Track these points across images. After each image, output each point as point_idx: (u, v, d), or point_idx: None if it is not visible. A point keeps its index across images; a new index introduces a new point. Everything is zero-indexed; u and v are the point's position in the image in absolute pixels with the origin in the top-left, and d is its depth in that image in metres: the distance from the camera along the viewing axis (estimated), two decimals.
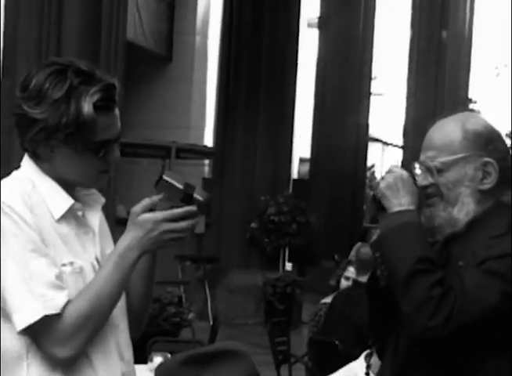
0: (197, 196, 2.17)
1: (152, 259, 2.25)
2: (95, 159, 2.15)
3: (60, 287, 2.04)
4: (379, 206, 2.34)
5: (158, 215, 2.12)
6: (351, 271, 6.56)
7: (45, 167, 2.16)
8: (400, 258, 2.21)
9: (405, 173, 2.34)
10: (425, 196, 2.35)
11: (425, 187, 2.35)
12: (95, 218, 2.24)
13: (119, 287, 2.11)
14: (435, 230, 2.35)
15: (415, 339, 2.27)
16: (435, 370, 2.28)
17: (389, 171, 2.36)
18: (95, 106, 2.09)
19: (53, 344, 2.03)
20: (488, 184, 2.33)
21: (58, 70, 2.11)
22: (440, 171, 2.34)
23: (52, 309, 2.01)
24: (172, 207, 2.13)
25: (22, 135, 2.14)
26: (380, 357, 2.59)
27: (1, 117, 7.50)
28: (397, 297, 2.21)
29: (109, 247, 2.25)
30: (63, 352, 2.04)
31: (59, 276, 2.05)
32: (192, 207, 2.15)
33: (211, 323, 11.43)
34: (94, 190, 2.29)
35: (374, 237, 2.36)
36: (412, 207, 2.29)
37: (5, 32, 8.21)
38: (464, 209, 2.32)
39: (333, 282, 7.08)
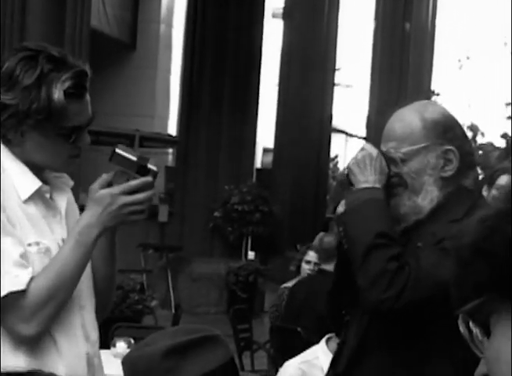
0: (151, 166, 2.20)
1: (112, 239, 2.26)
2: (66, 144, 2.16)
3: (24, 265, 2.06)
4: (349, 182, 2.40)
5: (115, 189, 2.14)
6: (311, 255, 6.63)
7: (16, 151, 2.17)
8: (360, 233, 2.29)
9: (375, 152, 2.39)
10: (389, 185, 2.40)
11: (389, 177, 2.41)
12: (63, 201, 2.26)
13: (81, 264, 2.13)
14: (401, 218, 2.40)
15: (373, 317, 2.34)
16: (391, 345, 2.34)
17: (361, 149, 2.42)
18: (66, 93, 2.11)
19: (18, 321, 2.05)
20: (450, 171, 2.39)
21: (29, 55, 2.12)
22: (403, 161, 2.39)
23: (17, 286, 2.03)
24: (128, 180, 2.16)
25: None
26: (337, 335, 2.64)
27: None
28: (354, 270, 2.28)
29: None
30: (27, 329, 2.06)
31: (23, 255, 2.07)
32: (148, 178, 2.18)
33: (173, 311, 11.47)
34: (64, 174, 2.31)
35: (340, 210, 2.41)
36: (377, 186, 2.35)
37: None
38: (428, 197, 2.38)
39: (293, 268, 7.13)
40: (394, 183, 2.41)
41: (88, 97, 2.19)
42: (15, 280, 2.03)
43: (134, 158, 2.18)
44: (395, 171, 2.40)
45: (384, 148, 2.43)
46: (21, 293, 2.04)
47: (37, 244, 2.13)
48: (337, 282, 2.58)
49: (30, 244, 2.11)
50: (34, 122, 2.10)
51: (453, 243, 2.17)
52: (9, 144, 2.17)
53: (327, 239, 6.12)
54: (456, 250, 1.02)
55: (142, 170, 2.18)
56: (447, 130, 2.40)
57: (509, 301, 0.95)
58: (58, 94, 2.10)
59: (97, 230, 2.14)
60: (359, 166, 2.38)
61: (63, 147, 2.17)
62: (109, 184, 2.17)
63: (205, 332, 2.11)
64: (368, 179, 2.36)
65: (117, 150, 2.19)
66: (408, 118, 2.42)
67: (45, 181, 2.23)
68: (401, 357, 2.33)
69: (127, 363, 2.12)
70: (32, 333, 2.07)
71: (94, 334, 2.25)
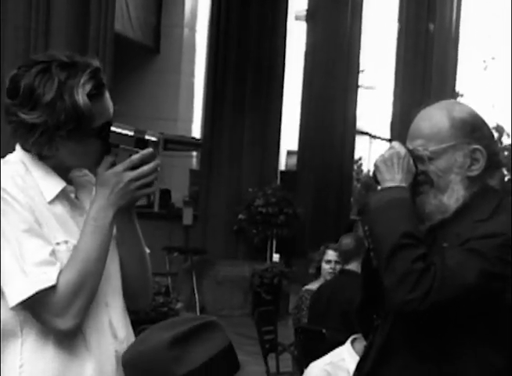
0: (150, 137, 2.20)
1: (131, 223, 2.26)
2: (97, 143, 2.18)
3: (52, 263, 2.07)
4: (375, 180, 2.39)
5: (118, 167, 2.15)
6: (330, 254, 6.64)
7: (49, 161, 2.18)
8: (386, 232, 2.27)
9: (403, 150, 2.38)
10: (415, 184, 2.39)
11: (415, 175, 2.40)
12: (89, 199, 2.26)
13: (102, 248, 2.14)
14: (426, 217, 2.39)
15: (397, 317, 2.33)
16: (417, 344, 2.33)
17: (390, 147, 2.41)
18: (89, 95, 2.11)
19: (53, 316, 2.06)
20: (476, 170, 2.38)
21: (42, 68, 2.12)
22: (430, 159, 2.38)
23: (46, 283, 2.04)
24: (130, 156, 2.16)
25: (23, 140, 2.16)
26: (366, 340, 2.63)
27: None
28: (380, 271, 2.26)
29: None
30: (64, 323, 2.07)
31: (52, 254, 2.08)
32: (149, 149, 2.17)
33: (198, 313, 11.48)
34: (86, 171, 2.32)
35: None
36: (403, 185, 2.34)
37: None
38: (454, 196, 2.37)
39: (312, 270, 7.13)
40: (420, 181, 2.40)
41: (107, 92, 2.20)
42: (43, 277, 2.05)
43: (131, 133, 2.18)
44: (422, 169, 2.39)
45: (410, 146, 2.42)
46: (52, 289, 2.05)
47: (66, 242, 2.14)
48: (365, 298, 2.58)
49: (58, 243, 2.13)
50: (65, 133, 2.11)
51: (481, 244, 2.17)
52: (42, 159, 2.18)
53: (345, 240, 6.15)
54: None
55: (141, 143, 2.19)
56: (475, 129, 2.39)
57: None
58: (82, 99, 2.10)
59: (111, 212, 2.15)
60: (386, 164, 2.37)
61: (95, 146, 2.18)
62: (113, 165, 2.17)
63: (202, 319, 2.13)
64: (394, 178, 2.35)
65: (112, 129, 2.19)
66: (436, 117, 2.41)
67: (69, 180, 2.24)
68: (426, 356, 2.32)
69: (127, 363, 2.13)
70: (69, 326, 2.08)
71: (121, 332, 2.25)
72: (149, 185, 2.18)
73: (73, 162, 2.20)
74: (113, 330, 2.22)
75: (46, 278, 2.05)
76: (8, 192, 2.07)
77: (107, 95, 2.20)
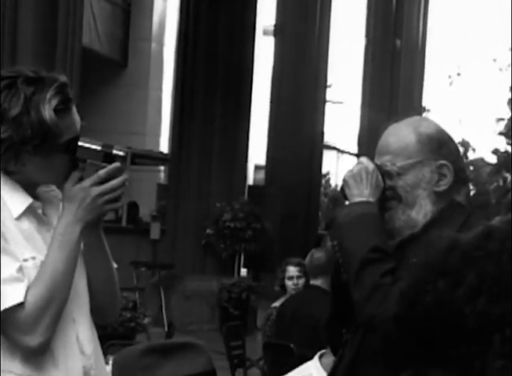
0: (117, 152, 2.20)
1: (98, 236, 2.24)
2: (64, 158, 2.16)
3: (20, 279, 2.06)
4: (343, 195, 2.41)
5: (85, 182, 2.14)
6: (291, 270, 6.70)
7: (15, 177, 2.17)
8: (354, 247, 2.28)
9: (371, 166, 2.39)
10: (383, 199, 2.41)
11: (383, 191, 2.41)
12: (56, 215, 2.25)
13: (70, 264, 2.13)
14: (395, 232, 2.40)
15: (367, 331, 2.33)
16: (384, 361, 2.34)
17: (358, 162, 2.42)
18: (55, 110, 2.11)
19: (21, 334, 2.05)
20: (443, 186, 2.39)
21: (8, 84, 2.11)
22: (398, 174, 2.40)
23: (13, 300, 2.03)
24: (97, 171, 2.15)
25: None
26: (335, 355, 2.63)
27: None
28: (349, 285, 2.28)
29: None
30: (33, 340, 2.06)
31: (19, 270, 2.07)
32: (116, 164, 2.18)
33: (166, 328, 11.44)
34: (53, 186, 2.30)
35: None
36: (371, 199, 2.35)
37: None
38: (422, 211, 2.38)
39: (277, 287, 7.17)
40: (388, 196, 2.41)
41: (74, 108, 2.19)
42: (10, 294, 2.03)
43: (98, 147, 2.19)
44: (390, 184, 2.40)
45: (378, 161, 2.43)
46: (20, 306, 2.04)
47: (33, 258, 2.13)
48: (335, 312, 2.58)
49: (26, 260, 2.11)
50: (31, 148, 2.10)
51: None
52: (9, 174, 2.16)
53: (317, 255, 6.16)
54: (380, 324, 1.05)
55: (109, 157, 2.18)
56: (441, 145, 2.41)
57: (440, 367, 0.95)
58: (48, 114, 2.09)
59: (78, 227, 2.14)
60: (355, 179, 2.38)
61: (62, 161, 2.17)
62: (80, 179, 2.17)
63: (188, 340, 2.13)
64: (362, 193, 2.36)
65: (80, 143, 2.19)
66: (402, 133, 2.43)
67: (36, 196, 2.23)
68: (396, 369, 2.33)
69: (113, 364, 2.16)
70: (38, 343, 2.06)
71: (89, 348, 2.24)
72: (116, 199, 2.17)
73: (40, 178, 2.19)
74: (80, 345, 2.21)
75: (14, 295, 2.03)
76: None
77: (74, 110, 2.19)
